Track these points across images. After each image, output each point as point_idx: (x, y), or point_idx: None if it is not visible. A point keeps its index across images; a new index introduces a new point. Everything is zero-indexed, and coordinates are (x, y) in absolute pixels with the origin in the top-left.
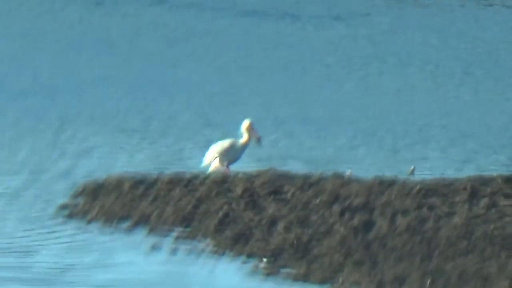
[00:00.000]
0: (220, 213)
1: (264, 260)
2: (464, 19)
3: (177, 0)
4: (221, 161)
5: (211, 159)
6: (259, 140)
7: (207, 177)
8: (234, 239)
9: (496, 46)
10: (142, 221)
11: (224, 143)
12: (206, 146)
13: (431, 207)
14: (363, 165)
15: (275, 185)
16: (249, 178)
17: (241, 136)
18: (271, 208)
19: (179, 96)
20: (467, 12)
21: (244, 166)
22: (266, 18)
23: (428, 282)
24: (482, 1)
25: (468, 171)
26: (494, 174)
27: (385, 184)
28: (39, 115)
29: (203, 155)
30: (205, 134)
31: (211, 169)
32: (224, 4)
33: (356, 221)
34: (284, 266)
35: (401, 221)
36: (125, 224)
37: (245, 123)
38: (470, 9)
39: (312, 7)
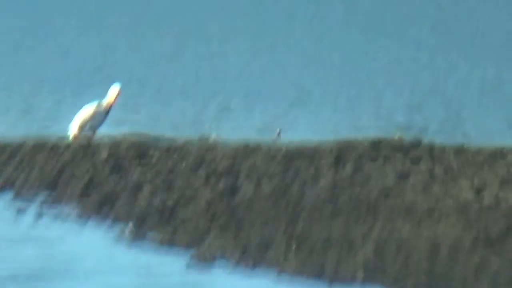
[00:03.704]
0: (86, 178)
1: (130, 224)
2: None
3: None
4: (86, 126)
5: (76, 125)
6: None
7: (72, 142)
8: (99, 203)
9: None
10: (7, 185)
11: (89, 109)
12: (73, 111)
13: (296, 171)
14: (229, 129)
15: (140, 149)
16: (114, 142)
17: (106, 99)
18: (136, 173)
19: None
20: None
21: (109, 130)
22: None
23: (294, 246)
24: None
25: (335, 134)
26: (360, 137)
27: (250, 148)
28: None
29: (69, 120)
30: (74, 97)
31: (76, 133)
32: None
33: (221, 185)
34: (150, 230)
35: (267, 185)
36: None
37: (115, 88)
38: None
39: None
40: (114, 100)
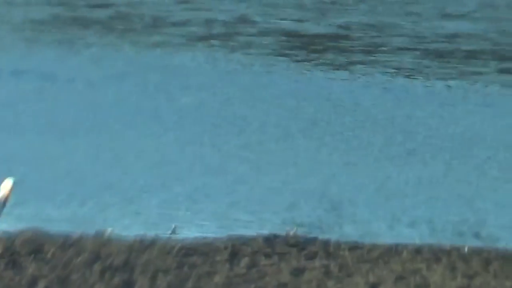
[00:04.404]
0: None
1: None
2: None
3: None
4: None
5: None
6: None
7: None
8: None
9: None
10: None
11: None
12: None
13: (192, 266)
14: (125, 224)
15: (36, 244)
16: (9, 237)
17: None
18: (31, 268)
19: None
20: None
21: (3, 226)
22: None
23: None
24: None
25: (230, 230)
26: (255, 233)
27: (146, 243)
28: None
29: None
30: None
31: None
32: None
33: (116, 280)
34: None
35: (162, 281)
36: None
37: (7, 183)
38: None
39: None
40: (7, 196)
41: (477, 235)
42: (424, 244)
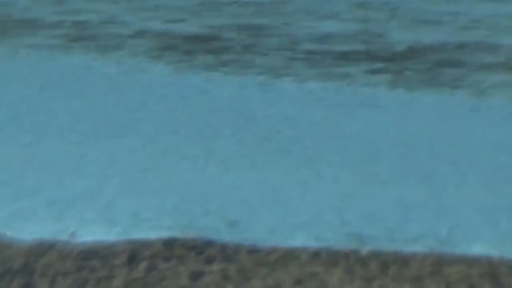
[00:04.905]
0: None
1: None
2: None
3: None
4: None
5: None
6: None
7: None
8: None
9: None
10: None
11: None
12: None
13: (91, 270)
14: (24, 226)
15: None
16: None
17: None
18: None
19: None
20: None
21: None
22: None
23: None
24: None
25: (129, 234)
26: (154, 237)
27: (45, 246)
28: None
29: None
30: None
31: None
32: None
33: (16, 284)
34: None
35: (62, 284)
36: None
37: None
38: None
39: None
40: None
41: (375, 238)
42: (322, 247)
